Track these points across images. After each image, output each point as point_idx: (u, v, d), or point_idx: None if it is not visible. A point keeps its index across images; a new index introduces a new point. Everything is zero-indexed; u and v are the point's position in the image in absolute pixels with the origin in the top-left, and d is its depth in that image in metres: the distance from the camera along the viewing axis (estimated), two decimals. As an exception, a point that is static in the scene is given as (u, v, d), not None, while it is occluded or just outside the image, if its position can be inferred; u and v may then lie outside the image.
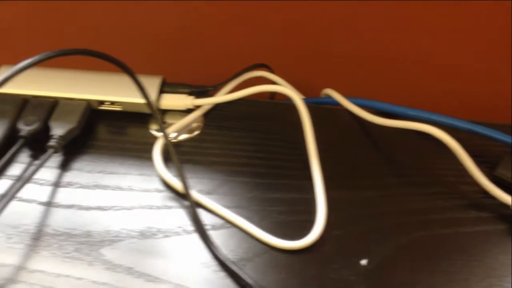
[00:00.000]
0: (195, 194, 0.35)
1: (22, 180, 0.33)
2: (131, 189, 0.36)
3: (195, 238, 0.33)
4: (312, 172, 0.36)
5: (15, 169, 0.37)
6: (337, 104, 0.43)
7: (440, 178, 0.37)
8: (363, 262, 0.32)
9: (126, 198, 0.35)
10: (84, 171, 0.37)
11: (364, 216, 0.35)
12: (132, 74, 0.33)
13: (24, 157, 0.38)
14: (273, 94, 0.49)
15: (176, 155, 0.34)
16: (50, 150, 0.35)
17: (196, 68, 0.51)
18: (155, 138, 0.39)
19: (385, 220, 0.34)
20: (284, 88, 0.38)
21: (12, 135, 0.37)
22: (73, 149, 0.38)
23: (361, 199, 0.36)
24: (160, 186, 0.36)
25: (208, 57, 0.51)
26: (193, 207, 0.33)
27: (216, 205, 0.34)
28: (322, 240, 0.33)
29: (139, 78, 0.34)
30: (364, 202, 0.35)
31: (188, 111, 0.40)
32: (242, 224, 0.33)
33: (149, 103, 0.34)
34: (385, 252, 0.33)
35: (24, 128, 0.36)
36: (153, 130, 0.39)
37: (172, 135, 0.39)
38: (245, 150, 0.38)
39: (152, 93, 0.39)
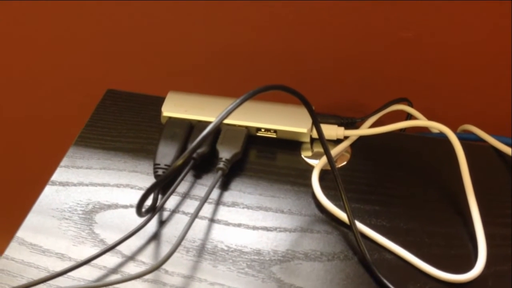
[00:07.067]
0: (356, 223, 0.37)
1: (202, 200, 0.36)
2: (291, 213, 0.38)
3: (356, 264, 0.35)
4: (470, 207, 0.37)
5: (180, 187, 0.40)
6: (477, 140, 0.44)
7: None
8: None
9: (288, 220, 0.38)
10: (246, 193, 0.40)
11: (523, 254, 0.35)
12: (311, 110, 0.36)
13: (187, 176, 0.41)
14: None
15: (342, 185, 0.36)
16: (220, 172, 0.39)
17: (332, 98, 0.54)
18: (307, 164, 0.41)
19: (543, 260, 0.35)
20: (439, 124, 0.39)
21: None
22: (233, 172, 0.41)
23: (518, 237, 0.36)
24: (317, 212, 0.38)
25: (345, 88, 0.53)
26: (357, 237, 0.35)
27: (377, 235, 0.36)
28: (484, 275, 0.34)
29: (313, 110, 0.37)
30: (521, 240, 0.36)
31: (336, 140, 0.43)
32: (403, 254, 0.35)
33: (320, 135, 0.37)
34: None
35: (195, 150, 0.40)
36: (306, 158, 0.42)
37: (321, 163, 0.41)
38: (395, 182, 0.40)
39: (308, 122, 0.42)
